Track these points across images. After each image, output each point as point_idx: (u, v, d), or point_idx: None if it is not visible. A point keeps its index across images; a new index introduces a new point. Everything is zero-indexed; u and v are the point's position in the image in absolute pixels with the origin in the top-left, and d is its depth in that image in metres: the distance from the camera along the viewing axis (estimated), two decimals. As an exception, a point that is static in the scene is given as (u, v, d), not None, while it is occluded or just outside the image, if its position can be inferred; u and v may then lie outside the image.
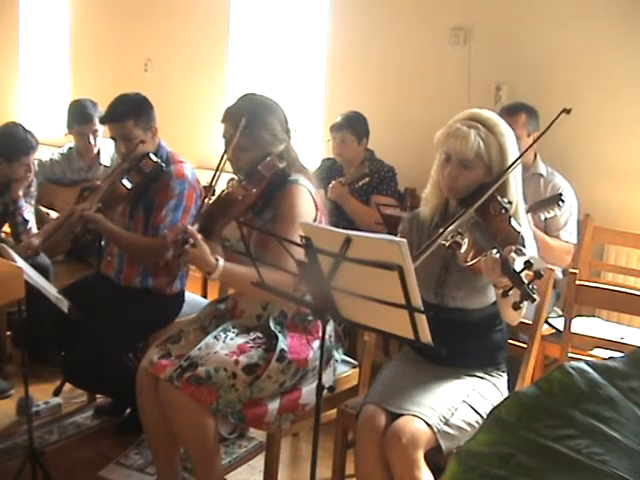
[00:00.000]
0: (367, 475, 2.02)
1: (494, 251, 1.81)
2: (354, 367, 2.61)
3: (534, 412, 0.89)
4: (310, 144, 4.52)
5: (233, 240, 2.38)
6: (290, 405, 2.32)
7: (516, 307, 1.76)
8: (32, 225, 3.40)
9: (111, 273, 2.94)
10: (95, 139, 3.76)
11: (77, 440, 2.97)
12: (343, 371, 2.57)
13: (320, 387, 1.90)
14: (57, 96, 6.02)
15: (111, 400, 3.17)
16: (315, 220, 2.36)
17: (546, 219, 3.01)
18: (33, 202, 3.53)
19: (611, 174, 3.53)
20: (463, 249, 1.92)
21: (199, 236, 2.22)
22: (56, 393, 3.24)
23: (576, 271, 2.56)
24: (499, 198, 2.00)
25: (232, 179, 2.48)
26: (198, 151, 4.87)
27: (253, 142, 2.37)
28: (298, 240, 1.82)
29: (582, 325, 2.98)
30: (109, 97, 2.88)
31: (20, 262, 2.32)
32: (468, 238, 1.93)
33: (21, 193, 3.37)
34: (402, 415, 1.99)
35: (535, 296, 1.72)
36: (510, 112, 3.19)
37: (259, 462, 2.72)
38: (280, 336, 2.32)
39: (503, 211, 1.97)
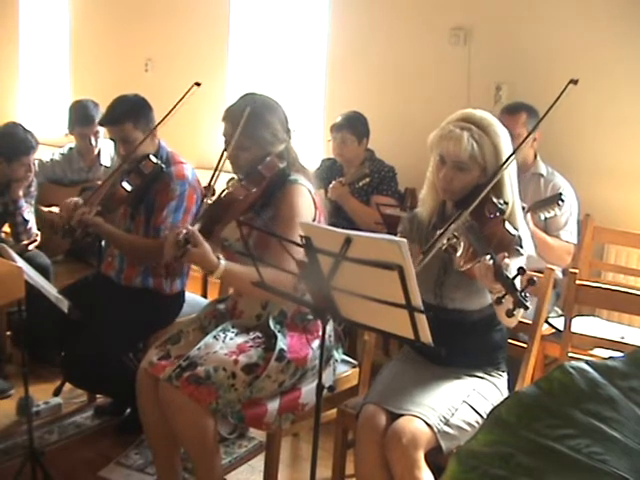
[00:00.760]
0: (367, 475, 2.02)
1: (487, 257, 1.80)
2: (354, 367, 2.61)
3: (534, 412, 0.89)
4: (310, 144, 4.52)
5: (232, 240, 2.38)
6: (290, 405, 2.32)
7: (509, 314, 1.76)
8: (32, 225, 3.40)
9: (111, 273, 2.94)
10: (96, 140, 3.76)
11: (77, 440, 2.98)
12: (343, 371, 2.57)
13: (320, 387, 1.90)
14: (57, 96, 6.01)
15: (111, 400, 3.17)
16: (314, 220, 2.36)
17: (546, 219, 3.01)
18: (33, 202, 3.54)
19: (611, 174, 3.53)
20: (459, 253, 1.92)
21: (200, 236, 2.22)
22: (56, 393, 3.24)
23: (576, 271, 2.56)
24: (494, 199, 1.99)
25: (232, 179, 2.48)
26: (198, 151, 4.87)
27: (253, 141, 2.37)
28: (298, 240, 1.83)
29: (582, 325, 2.98)
30: (109, 97, 2.88)
31: (20, 262, 2.32)
32: (464, 242, 1.93)
33: (21, 193, 3.37)
34: (402, 415, 1.99)
35: (528, 304, 1.73)
36: (510, 111, 3.20)
37: (259, 462, 2.72)
38: (279, 335, 2.32)
39: (498, 213, 1.96)
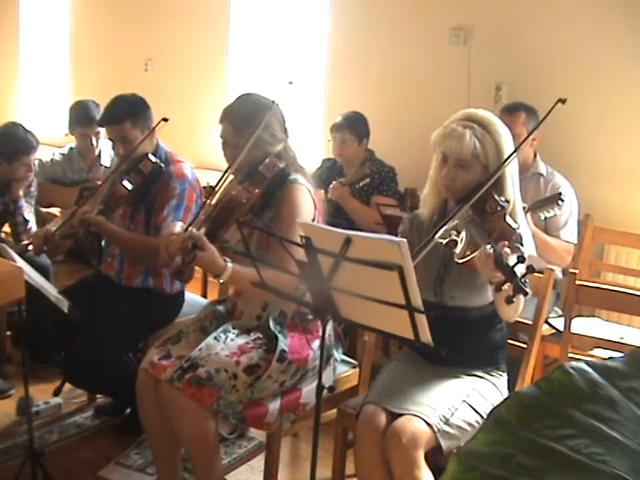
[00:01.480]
0: (367, 475, 2.02)
1: (488, 246, 1.83)
2: (354, 367, 2.61)
3: (534, 412, 0.89)
4: (310, 144, 4.52)
5: (233, 241, 2.38)
6: (290, 405, 2.32)
7: (509, 301, 1.77)
8: (32, 225, 3.40)
9: (112, 273, 2.94)
10: (97, 141, 3.76)
11: (77, 440, 2.97)
12: (343, 371, 2.57)
13: (320, 387, 1.90)
14: (57, 96, 6.02)
15: (111, 400, 3.17)
16: (313, 220, 2.36)
17: (546, 218, 3.01)
18: (33, 202, 3.53)
19: (611, 174, 3.53)
20: (459, 246, 1.93)
21: (207, 240, 2.21)
22: (56, 393, 3.24)
23: (576, 271, 2.56)
24: (496, 196, 2.00)
25: (231, 180, 2.47)
26: (198, 151, 4.87)
27: (252, 142, 2.37)
28: (299, 240, 1.83)
29: (582, 325, 2.98)
30: (109, 97, 2.88)
31: (20, 262, 2.32)
32: (464, 235, 1.94)
33: (21, 193, 3.37)
34: (402, 415, 1.99)
35: (527, 289, 1.74)
36: (510, 111, 3.20)
37: (259, 462, 2.71)
38: (280, 336, 2.32)
39: (499, 209, 1.97)
